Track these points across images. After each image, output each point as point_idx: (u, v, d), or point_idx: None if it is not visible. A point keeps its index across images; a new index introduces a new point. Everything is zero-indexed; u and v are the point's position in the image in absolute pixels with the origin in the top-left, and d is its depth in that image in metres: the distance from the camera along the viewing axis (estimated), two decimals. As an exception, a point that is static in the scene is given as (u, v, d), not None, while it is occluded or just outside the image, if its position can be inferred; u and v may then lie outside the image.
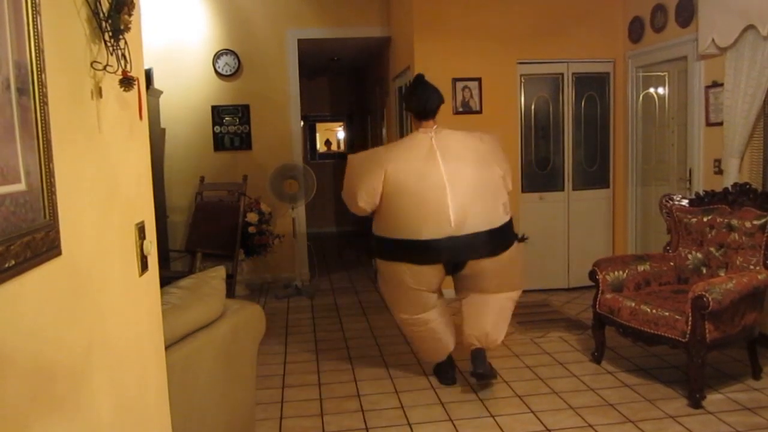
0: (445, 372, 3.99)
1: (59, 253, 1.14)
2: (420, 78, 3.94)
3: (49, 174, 1.10)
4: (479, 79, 5.91)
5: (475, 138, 3.83)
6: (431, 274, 3.68)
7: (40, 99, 1.07)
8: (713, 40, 4.56)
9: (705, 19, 4.66)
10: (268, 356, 4.56)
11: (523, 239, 4.03)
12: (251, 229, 6.27)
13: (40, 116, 1.07)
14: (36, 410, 1.04)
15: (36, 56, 1.06)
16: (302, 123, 7.72)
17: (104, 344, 1.38)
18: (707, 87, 4.84)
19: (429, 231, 3.55)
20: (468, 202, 3.57)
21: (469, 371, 3.86)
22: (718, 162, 4.76)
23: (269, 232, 6.47)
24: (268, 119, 6.89)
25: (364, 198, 3.66)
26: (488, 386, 3.85)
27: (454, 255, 3.63)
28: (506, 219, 3.72)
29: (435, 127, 3.76)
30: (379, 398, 3.80)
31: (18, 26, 1.02)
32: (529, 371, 4.14)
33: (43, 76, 1.08)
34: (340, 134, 11.45)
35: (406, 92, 4.02)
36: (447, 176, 3.56)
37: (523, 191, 6.11)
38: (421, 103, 3.75)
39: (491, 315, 3.81)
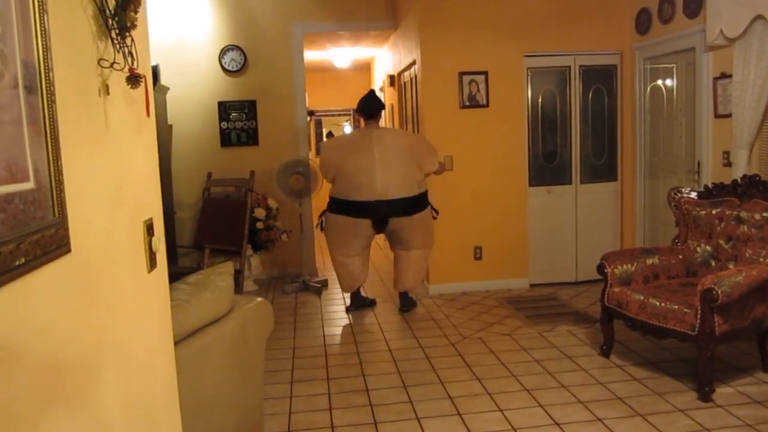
0: (356, 300, 5.74)
1: (68, 251, 1.15)
2: (371, 92, 5.64)
3: (58, 172, 1.10)
4: (486, 73, 5.89)
5: (403, 135, 5.81)
6: (363, 225, 5.29)
7: (47, 97, 1.08)
8: (721, 30, 4.52)
9: (713, 9, 4.62)
10: (276, 351, 4.57)
11: (434, 212, 5.51)
12: (259, 225, 6.28)
13: (48, 114, 1.08)
14: (45, 406, 1.05)
15: (43, 54, 1.07)
16: (309, 118, 7.72)
17: (113, 341, 1.38)
18: (715, 78, 4.81)
19: (362, 195, 5.17)
20: (391, 177, 5.16)
21: (397, 308, 5.64)
22: (726, 154, 4.73)
23: (276, 228, 6.48)
24: (274, 114, 6.89)
25: (330, 178, 5.44)
26: (412, 312, 5.56)
27: (379, 212, 5.21)
28: (418, 192, 5.26)
29: (377, 125, 5.43)
30: (387, 393, 3.81)
31: (25, 25, 1.02)
32: (537, 365, 4.14)
33: (50, 74, 1.08)
34: (347, 129, 11.46)
35: (360, 101, 5.50)
36: (377, 158, 5.18)
37: (530, 185, 6.10)
38: (368, 110, 5.42)
39: (410, 272, 5.46)
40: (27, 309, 1.00)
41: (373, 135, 5.27)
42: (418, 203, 5.27)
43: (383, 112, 5.54)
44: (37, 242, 1.01)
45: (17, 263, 0.95)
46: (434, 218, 5.49)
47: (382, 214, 5.22)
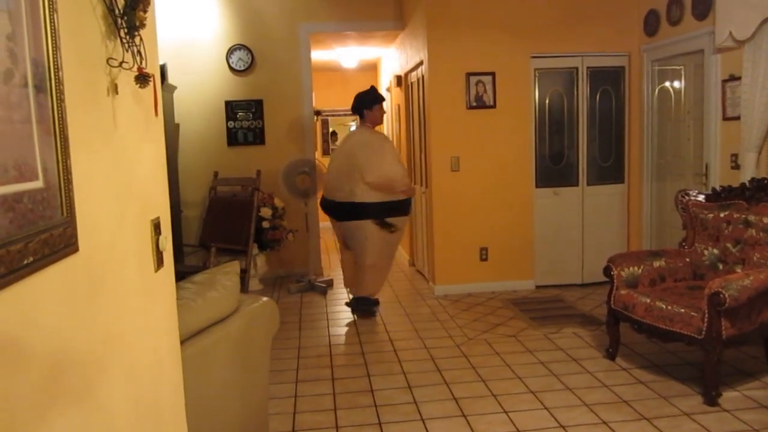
0: (353, 300, 5.64)
1: (76, 250, 1.15)
2: (370, 89, 5.43)
3: (66, 171, 1.10)
4: (493, 74, 5.88)
5: (361, 137, 5.31)
6: (332, 220, 5.49)
7: (57, 96, 1.08)
8: (731, 32, 4.50)
9: (722, 11, 4.60)
10: (281, 351, 4.58)
11: (385, 225, 5.19)
12: (265, 224, 6.29)
13: (57, 113, 1.08)
14: (52, 404, 1.05)
15: (53, 53, 1.06)
16: (315, 117, 7.72)
17: (120, 340, 1.38)
18: (724, 81, 4.78)
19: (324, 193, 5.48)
20: (332, 179, 5.31)
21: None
22: (735, 157, 4.71)
23: (282, 227, 6.49)
24: (281, 114, 6.90)
25: None
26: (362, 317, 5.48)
27: (329, 212, 5.39)
28: (348, 199, 5.12)
29: (362, 124, 5.37)
30: (392, 393, 3.81)
31: (35, 24, 1.02)
32: (542, 367, 4.13)
33: (60, 73, 1.08)
34: (353, 128, 11.46)
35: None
36: (332, 158, 5.46)
37: (537, 186, 6.09)
38: (352, 109, 5.41)
39: (349, 271, 5.60)
40: (35, 308, 1.01)
41: (349, 134, 5.51)
42: (347, 212, 5.19)
43: (366, 111, 5.29)
44: (45, 241, 1.01)
45: (25, 262, 0.95)
46: (391, 232, 5.24)
47: (329, 213, 5.42)
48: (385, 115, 5.50)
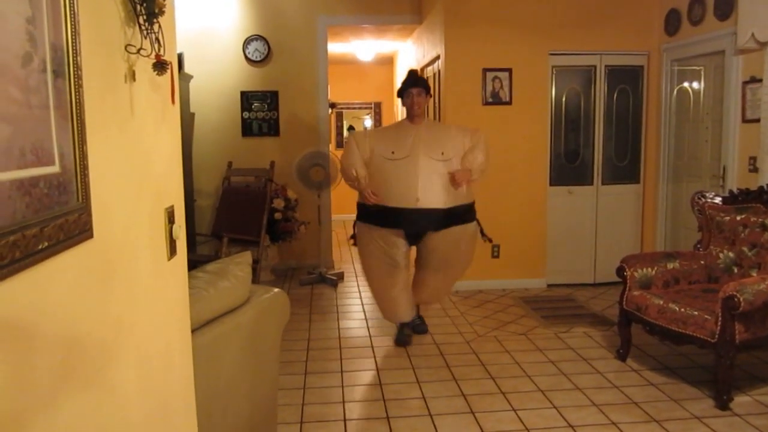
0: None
1: (91, 236, 1.14)
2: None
3: (83, 157, 1.10)
4: (510, 70, 5.84)
5: None
6: None
7: (75, 81, 1.07)
8: (753, 34, 4.44)
9: (745, 12, 4.53)
10: (291, 342, 4.58)
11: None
12: (277, 216, 6.30)
13: (75, 99, 1.07)
14: (65, 388, 1.06)
15: (72, 38, 1.06)
16: (330, 110, 7.72)
17: (132, 327, 1.39)
18: (745, 82, 4.72)
19: None
20: None
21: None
22: (753, 160, 4.65)
23: (295, 219, 6.49)
24: (296, 106, 6.90)
25: None
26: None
27: None
28: None
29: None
30: (401, 388, 3.80)
31: (54, 8, 1.02)
32: (552, 366, 4.11)
33: (78, 58, 1.08)
34: (367, 122, 11.44)
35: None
36: None
37: (551, 184, 6.05)
38: None
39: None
40: (48, 293, 1.01)
41: None
42: None
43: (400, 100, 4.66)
44: (61, 227, 1.01)
45: (40, 247, 0.95)
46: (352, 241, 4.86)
47: None
48: (417, 104, 4.37)
